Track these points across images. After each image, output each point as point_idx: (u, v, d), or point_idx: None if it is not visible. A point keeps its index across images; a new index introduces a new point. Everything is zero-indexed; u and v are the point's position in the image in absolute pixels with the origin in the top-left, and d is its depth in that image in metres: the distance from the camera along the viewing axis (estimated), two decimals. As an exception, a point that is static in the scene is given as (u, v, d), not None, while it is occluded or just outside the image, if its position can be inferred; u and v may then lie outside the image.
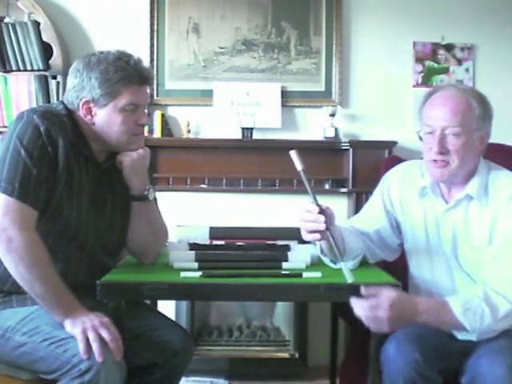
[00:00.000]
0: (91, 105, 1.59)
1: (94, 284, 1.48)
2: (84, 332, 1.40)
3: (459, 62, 3.07)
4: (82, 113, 1.60)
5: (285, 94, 3.01)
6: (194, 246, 1.81)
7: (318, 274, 1.57)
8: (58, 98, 2.79)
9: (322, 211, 1.56)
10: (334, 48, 3.03)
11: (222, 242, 1.91)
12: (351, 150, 2.90)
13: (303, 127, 3.04)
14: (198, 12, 3.02)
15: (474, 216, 1.67)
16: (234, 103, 2.97)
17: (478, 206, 1.67)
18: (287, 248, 1.80)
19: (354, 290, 1.50)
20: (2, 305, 1.56)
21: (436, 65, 3.07)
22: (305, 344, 2.89)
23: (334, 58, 3.03)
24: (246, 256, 1.73)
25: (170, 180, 2.92)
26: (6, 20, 2.83)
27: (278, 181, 2.92)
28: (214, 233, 1.97)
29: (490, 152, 1.74)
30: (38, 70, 2.83)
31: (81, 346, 1.39)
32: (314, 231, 1.57)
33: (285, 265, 1.67)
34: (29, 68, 2.82)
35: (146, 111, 1.69)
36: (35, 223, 1.50)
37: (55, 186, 1.54)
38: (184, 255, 1.72)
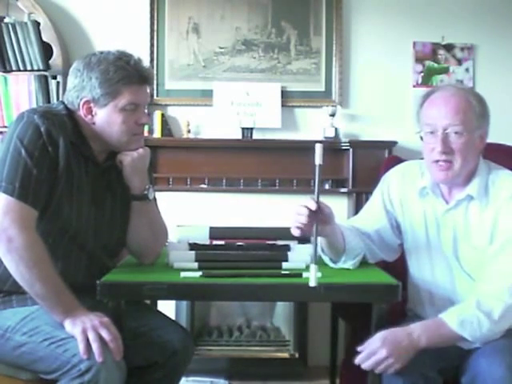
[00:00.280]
0: (91, 104, 1.59)
1: (93, 284, 1.48)
2: (84, 332, 1.40)
3: (459, 62, 3.07)
4: (82, 113, 1.60)
5: (285, 94, 3.01)
6: (194, 246, 1.81)
7: (318, 274, 1.56)
8: (57, 98, 2.79)
9: (318, 208, 1.55)
10: (334, 48, 3.03)
11: (222, 242, 1.91)
12: (351, 149, 2.90)
13: (303, 127, 3.04)
14: (197, 12, 3.02)
15: (474, 216, 1.67)
16: (234, 103, 2.97)
17: (479, 205, 1.66)
18: (287, 248, 1.80)
19: (355, 290, 1.50)
20: (2, 305, 1.56)
21: (436, 65, 3.07)
22: (305, 344, 2.89)
23: (333, 58, 3.03)
24: (246, 256, 1.73)
25: (170, 180, 2.92)
26: (6, 20, 2.83)
27: (277, 181, 2.92)
28: (214, 233, 1.97)
29: (489, 152, 1.73)
30: (38, 70, 2.83)
31: (81, 346, 1.39)
32: (299, 228, 1.56)
33: (285, 265, 1.67)
34: (29, 68, 2.82)
35: (146, 111, 1.69)
36: (35, 223, 1.50)
37: (55, 186, 1.54)
38: (184, 255, 1.72)
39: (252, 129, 2.92)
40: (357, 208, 2.77)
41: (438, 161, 1.64)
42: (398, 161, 2.18)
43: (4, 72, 2.83)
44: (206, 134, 3.02)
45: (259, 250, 1.81)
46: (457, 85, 1.78)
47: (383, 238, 1.81)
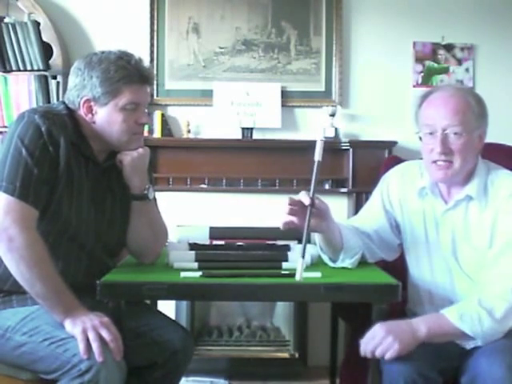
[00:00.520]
0: (92, 103, 1.59)
1: (93, 284, 1.47)
2: (84, 332, 1.40)
3: (459, 62, 3.07)
4: (82, 111, 1.61)
5: (285, 94, 3.01)
6: (194, 246, 1.81)
7: (317, 274, 1.57)
8: (58, 98, 2.79)
9: (313, 203, 1.56)
10: (334, 48, 3.03)
11: (222, 242, 1.91)
12: (351, 149, 2.90)
13: (303, 127, 3.04)
14: (197, 12, 3.02)
15: (473, 216, 1.67)
16: (234, 103, 2.97)
17: (478, 206, 1.66)
18: (287, 248, 1.80)
19: (355, 290, 1.50)
20: (2, 304, 1.56)
21: (436, 65, 3.07)
22: (305, 344, 2.89)
23: (333, 58, 3.03)
24: (246, 256, 1.73)
25: (170, 180, 2.92)
26: (6, 20, 2.83)
27: (277, 181, 2.92)
28: (214, 233, 1.97)
29: (489, 152, 1.73)
30: (38, 70, 2.83)
31: (81, 346, 1.39)
32: (289, 222, 1.57)
33: (285, 265, 1.66)
34: (29, 68, 2.82)
35: (146, 111, 1.69)
36: (36, 223, 1.50)
37: (56, 185, 1.54)
38: (184, 255, 1.72)
39: (252, 129, 2.93)
40: (357, 208, 2.77)
41: (436, 161, 1.64)
42: (398, 161, 2.18)
43: (4, 72, 2.83)
44: (206, 134, 3.02)
45: (259, 249, 1.81)
46: (455, 85, 1.79)
47: (382, 238, 1.81)
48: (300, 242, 1.79)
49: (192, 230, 2.03)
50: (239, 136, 2.94)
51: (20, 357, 1.49)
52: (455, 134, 1.61)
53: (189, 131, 2.97)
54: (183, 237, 1.93)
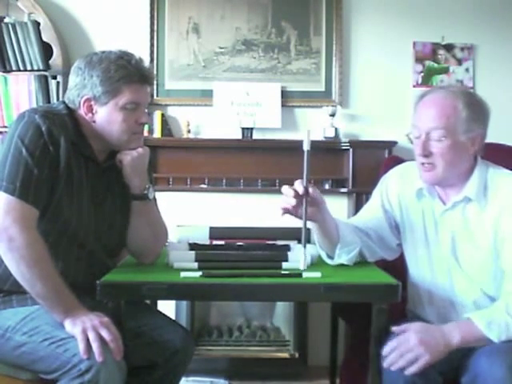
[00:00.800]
0: (92, 102, 1.59)
1: (93, 284, 1.47)
2: (84, 332, 1.40)
3: (459, 61, 3.07)
4: (82, 111, 1.61)
5: (285, 94, 3.01)
6: (194, 246, 1.81)
7: (317, 274, 1.57)
8: (58, 98, 2.79)
9: (306, 192, 1.58)
10: (334, 48, 3.03)
11: (222, 242, 1.91)
12: (351, 149, 2.91)
13: (303, 127, 3.03)
14: (197, 12, 3.02)
15: (473, 216, 1.67)
16: (234, 103, 2.97)
17: (478, 206, 1.66)
18: (287, 248, 1.80)
19: (355, 290, 1.50)
20: (2, 304, 1.56)
21: (436, 65, 3.07)
22: (305, 344, 2.89)
23: (333, 58, 3.03)
24: (245, 256, 1.73)
25: (170, 180, 2.92)
26: (6, 20, 2.83)
27: (277, 181, 2.92)
28: (214, 233, 1.97)
29: (489, 152, 1.73)
30: (38, 70, 2.83)
31: (81, 346, 1.39)
32: (286, 208, 1.60)
33: (285, 265, 1.66)
34: (29, 68, 2.82)
35: (146, 111, 1.69)
36: (36, 222, 1.50)
37: (56, 185, 1.54)
38: (184, 255, 1.72)
39: (252, 129, 2.93)
40: (357, 208, 2.77)
41: (423, 163, 1.65)
42: (398, 161, 2.18)
43: (4, 72, 2.84)
44: (206, 134, 3.02)
45: (259, 249, 1.81)
46: (450, 87, 1.77)
47: (381, 238, 1.81)
48: (300, 242, 1.80)
49: (192, 229, 2.03)
50: (239, 136, 2.94)
51: (20, 357, 1.49)
52: (438, 137, 1.62)
53: (189, 131, 2.97)
54: (183, 237, 1.93)
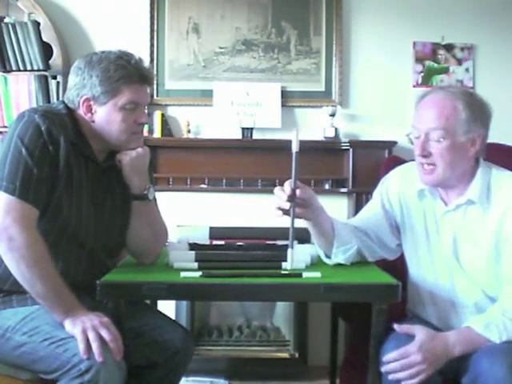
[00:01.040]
0: (91, 102, 1.59)
1: (93, 284, 1.47)
2: (84, 332, 1.40)
3: (459, 62, 3.07)
4: (82, 110, 1.61)
5: (285, 94, 3.01)
6: (194, 246, 1.81)
7: (317, 274, 1.57)
8: (57, 98, 2.79)
9: (293, 193, 1.59)
10: (334, 48, 3.03)
11: (222, 242, 1.91)
12: (351, 149, 2.91)
13: (303, 127, 3.03)
14: (197, 12, 3.02)
15: (475, 217, 1.66)
16: (234, 103, 2.97)
17: (480, 208, 1.65)
18: (287, 248, 1.79)
19: (355, 290, 1.50)
20: (2, 304, 1.56)
21: (436, 65, 3.07)
22: (305, 344, 2.89)
23: (333, 58, 3.03)
24: (245, 256, 1.73)
25: (170, 180, 2.92)
26: (6, 20, 2.84)
27: (277, 181, 2.91)
28: (214, 233, 1.97)
29: (490, 152, 1.73)
30: (38, 70, 2.83)
31: (81, 346, 1.39)
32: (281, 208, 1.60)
33: (285, 265, 1.66)
34: (29, 68, 2.83)
35: (145, 111, 1.69)
36: (36, 222, 1.50)
37: (56, 185, 1.54)
38: (184, 255, 1.72)
39: (252, 129, 2.93)
40: (357, 208, 2.77)
41: (423, 164, 1.65)
42: (398, 161, 2.18)
43: (4, 72, 2.84)
44: (206, 134, 3.02)
45: (259, 250, 1.81)
46: (450, 88, 1.76)
47: (381, 238, 1.81)
48: (300, 242, 1.80)
49: (192, 229, 2.03)
50: (239, 136, 2.94)
51: (20, 357, 1.49)
52: (437, 137, 1.61)
53: (189, 131, 2.97)
54: (183, 237, 1.93)
